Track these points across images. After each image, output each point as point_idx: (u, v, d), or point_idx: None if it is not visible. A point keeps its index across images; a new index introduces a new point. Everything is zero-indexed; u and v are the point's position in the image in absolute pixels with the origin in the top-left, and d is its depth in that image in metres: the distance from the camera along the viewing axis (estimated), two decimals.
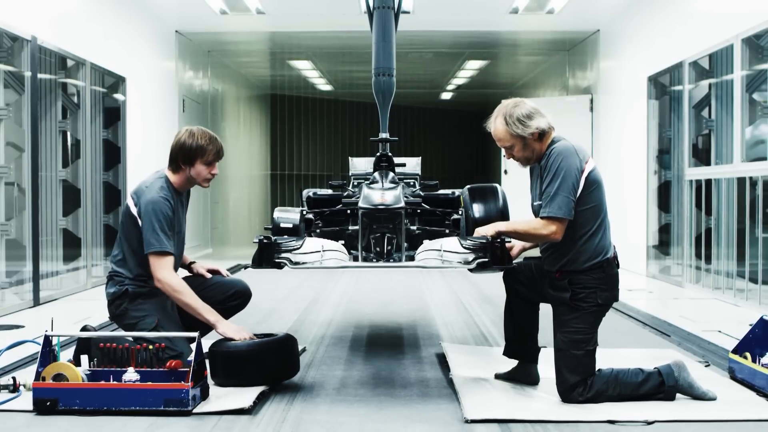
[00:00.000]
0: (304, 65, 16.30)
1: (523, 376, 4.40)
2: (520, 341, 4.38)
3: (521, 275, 4.31)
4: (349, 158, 6.20)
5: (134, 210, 4.44)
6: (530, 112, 4.01)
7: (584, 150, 4.04)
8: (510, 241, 4.19)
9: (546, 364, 4.38)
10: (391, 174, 5.00)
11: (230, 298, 4.72)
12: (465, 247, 4.23)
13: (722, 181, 7.87)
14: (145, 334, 4.21)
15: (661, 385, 4.02)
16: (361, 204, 4.43)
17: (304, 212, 4.65)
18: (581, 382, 3.97)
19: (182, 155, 4.50)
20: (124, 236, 4.52)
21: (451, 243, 4.30)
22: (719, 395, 4.09)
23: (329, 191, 5.40)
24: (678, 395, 4.04)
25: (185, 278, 4.69)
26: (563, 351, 4.01)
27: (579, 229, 3.97)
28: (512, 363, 4.48)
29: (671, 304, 7.69)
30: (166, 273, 4.35)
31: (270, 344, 4.29)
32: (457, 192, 5.00)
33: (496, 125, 4.07)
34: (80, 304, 7.51)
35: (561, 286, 4.03)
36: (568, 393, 3.99)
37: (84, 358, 4.23)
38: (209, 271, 4.78)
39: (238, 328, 4.36)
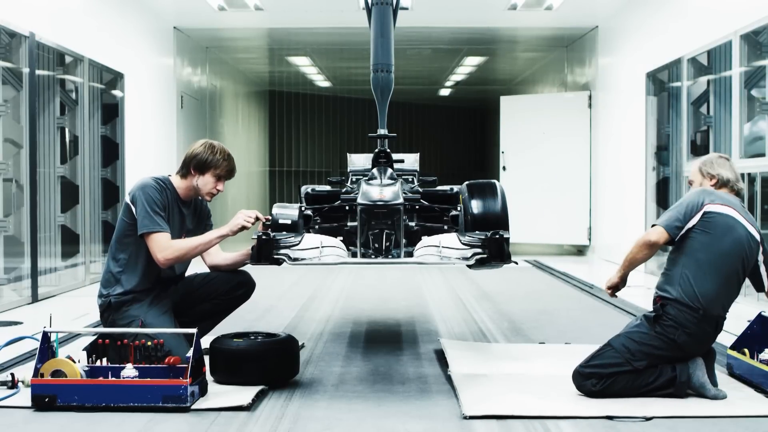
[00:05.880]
0: (303, 62, 16.29)
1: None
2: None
3: None
4: (348, 154, 6.20)
5: (128, 198, 4.49)
6: (723, 163, 4.27)
7: (723, 198, 4.13)
8: (509, 236, 4.20)
9: (545, 360, 4.40)
10: (390, 170, 5.00)
11: (235, 288, 4.75)
12: (463, 243, 4.23)
13: None
14: (142, 330, 4.22)
15: (672, 380, 4.02)
16: (359, 200, 4.43)
17: (303, 208, 4.65)
18: (599, 375, 4.01)
19: (196, 161, 4.53)
20: (118, 242, 4.53)
21: (450, 239, 4.30)
22: None
23: (328, 187, 5.39)
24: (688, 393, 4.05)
25: (194, 275, 4.79)
26: (611, 347, 4.07)
27: (685, 259, 4.06)
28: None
29: None
30: (164, 254, 4.37)
31: (271, 344, 4.30)
32: (456, 188, 4.99)
33: (695, 162, 4.37)
34: (78, 300, 7.51)
35: (655, 309, 4.11)
36: (584, 376, 4.04)
37: (83, 354, 4.24)
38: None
39: (237, 218, 4.44)
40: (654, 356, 4.03)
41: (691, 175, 4.38)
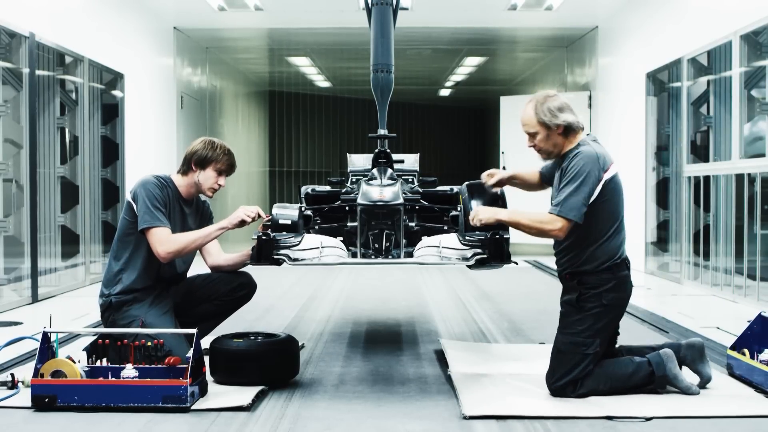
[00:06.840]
0: (303, 62, 16.29)
1: None
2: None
3: None
4: (348, 155, 6.20)
5: (129, 196, 4.49)
6: (561, 105, 4.08)
7: (608, 157, 4.07)
8: (509, 236, 4.21)
9: (545, 360, 4.37)
10: (390, 170, 5.00)
11: (236, 289, 4.75)
12: (464, 244, 4.23)
13: (720, 177, 7.88)
14: (142, 330, 4.22)
15: (651, 376, 4.03)
16: (359, 200, 4.43)
17: (303, 209, 4.65)
18: (572, 382, 3.99)
19: (197, 157, 4.56)
20: (119, 240, 4.53)
21: (450, 239, 4.30)
22: (717, 391, 4.10)
23: (328, 188, 5.39)
24: (669, 387, 4.07)
25: (196, 275, 4.79)
26: (562, 353, 4.03)
27: (595, 235, 4.02)
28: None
29: (669, 301, 7.69)
30: (164, 247, 4.39)
31: (271, 345, 4.31)
32: (456, 188, 5.00)
33: (525, 110, 4.14)
34: (78, 300, 7.51)
35: (570, 287, 4.10)
36: (559, 392, 4.01)
37: (83, 355, 4.24)
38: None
39: (237, 211, 4.46)
40: (599, 330, 4.02)
41: (529, 127, 4.11)
